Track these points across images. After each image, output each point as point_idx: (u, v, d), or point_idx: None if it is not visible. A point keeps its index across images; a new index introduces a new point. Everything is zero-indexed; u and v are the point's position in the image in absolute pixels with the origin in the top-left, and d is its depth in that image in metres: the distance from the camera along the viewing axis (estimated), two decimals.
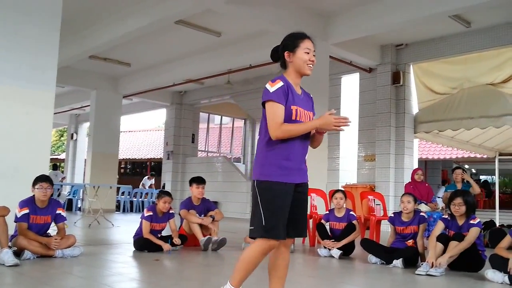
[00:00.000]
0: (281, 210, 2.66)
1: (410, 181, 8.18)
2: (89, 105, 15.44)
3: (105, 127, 14.44)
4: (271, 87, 2.68)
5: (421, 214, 5.63)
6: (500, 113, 9.47)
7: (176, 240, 5.77)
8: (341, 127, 2.69)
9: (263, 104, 2.72)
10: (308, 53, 2.76)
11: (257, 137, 2.90)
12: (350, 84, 12.00)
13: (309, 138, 2.83)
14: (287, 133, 2.65)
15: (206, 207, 6.30)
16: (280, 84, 2.69)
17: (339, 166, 11.82)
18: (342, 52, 10.14)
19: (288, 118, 2.68)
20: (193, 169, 15.21)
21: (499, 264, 4.42)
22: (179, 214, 6.26)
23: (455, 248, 4.79)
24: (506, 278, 4.29)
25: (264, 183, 2.68)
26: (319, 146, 2.96)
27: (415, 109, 11.09)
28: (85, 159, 16.20)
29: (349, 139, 11.85)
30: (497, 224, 9.05)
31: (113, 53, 12.03)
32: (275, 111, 2.65)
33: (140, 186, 17.17)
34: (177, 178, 16.00)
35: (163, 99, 16.18)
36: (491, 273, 4.46)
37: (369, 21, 8.78)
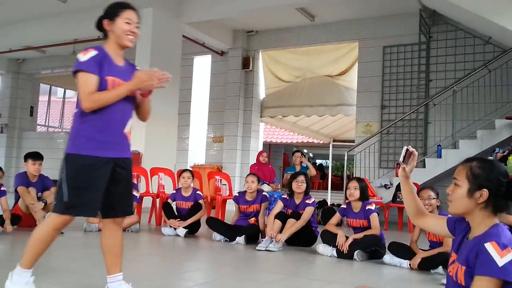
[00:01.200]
0: (89, 187, 2.50)
1: (255, 162, 8.58)
2: None
3: None
4: (83, 56, 2.52)
5: (264, 193, 5.94)
6: (336, 102, 10.46)
7: (7, 226, 5.26)
8: (160, 83, 2.59)
9: (74, 74, 2.54)
10: (129, 23, 2.63)
11: None
12: (202, 65, 12.11)
13: (131, 109, 2.72)
14: (98, 103, 2.50)
15: (43, 185, 5.86)
16: (93, 53, 2.54)
17: (188, 147, 11.91)
18: (196, 32, 10.14)
19: (103, 90, 2.53)
20: (31, 144, 13.97)
21: (329, 239, 4.88)
22: (16, 191, 5.73)
23: (293, 226, 5.17)
24: (334, 252, 4.77)
25: (72, 156, 2.52)
26: (149, 117, 2.82)
27: (262, 94, 11.61)
28: None
29: (199, 120, 11.98)
30: (329, 203, 9.96)
31: None
32: (85, 81, 2.50)
33: None
34: (12, 154, 14.60)
35: None
36: (322, 247, 4.92)
37: (221, 4, 8.95)
